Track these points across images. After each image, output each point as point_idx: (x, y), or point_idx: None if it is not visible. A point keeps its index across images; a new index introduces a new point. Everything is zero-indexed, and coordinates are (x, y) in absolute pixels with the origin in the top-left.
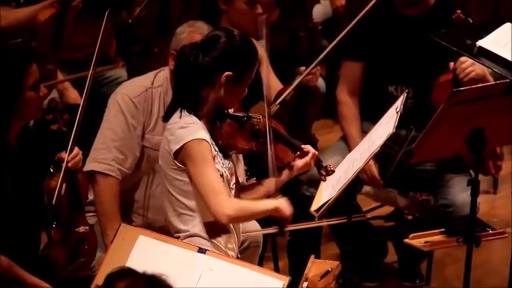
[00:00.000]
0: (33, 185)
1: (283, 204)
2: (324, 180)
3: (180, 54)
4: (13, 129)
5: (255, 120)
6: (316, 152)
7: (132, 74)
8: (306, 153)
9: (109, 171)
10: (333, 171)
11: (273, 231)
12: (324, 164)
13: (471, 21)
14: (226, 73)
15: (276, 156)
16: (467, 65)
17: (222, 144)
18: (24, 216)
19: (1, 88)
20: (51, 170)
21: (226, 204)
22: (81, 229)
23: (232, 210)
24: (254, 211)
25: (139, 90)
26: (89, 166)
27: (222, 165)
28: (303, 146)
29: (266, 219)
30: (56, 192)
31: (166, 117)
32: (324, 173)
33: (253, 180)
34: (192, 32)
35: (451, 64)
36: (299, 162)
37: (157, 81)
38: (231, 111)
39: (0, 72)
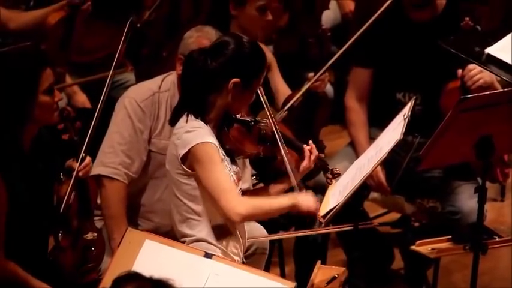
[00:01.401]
0: (44, 189)
1: (300, 199)
2: (330, 183)
3: (188, 59)
4: (27, 133)
5: (262, 125)
6: (317, 153)
7: (141, 77)
8: (307, 154)
9: (115, 175)
10: (339, 174)
11: (281, 237)
12: (330, 167)
13: (479, 28)
14: (234, 80)
15: (282, 161)
16: (476, 73)
17: (230, 148)
18: (34, 219)
19: (15, 92)
20: (62, 177)
21: (238, 203)
22: (90, 236)
23: (244, 208)
24: (268, 209)
25: (147, 95)
26: (95, 170)
27: (229, 169)
28: (304, 146)
29: (274, 225)
30: (65, 200)
31: (173, 121)
32: (330, 176)
33: (261, 185)
34: (200, 37)
35: (459, 71)
36: (301, 165)
37: (164, 86)
38: (238, 116)
39: (14, 75)
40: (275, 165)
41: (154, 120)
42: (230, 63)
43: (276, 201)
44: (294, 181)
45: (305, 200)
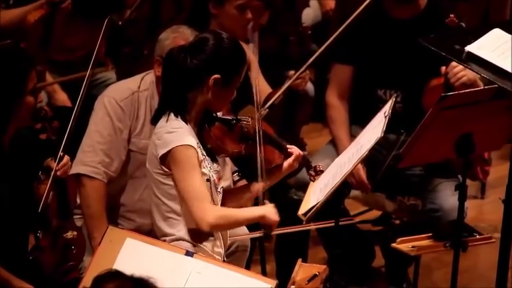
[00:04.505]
0: (24, 188)
1: (269, 211)
2: (313, 181)
3: (168, 57)
4: (7, 132)
5: (244, 123)
6: (301, 153)
7: (122, 76)
8: (290, 154)
9: (95, 174)
10: (322, 171)
11: (261, 235)
12: (313, 165)
13: (464, 25)
14: (214, 76)
15: (265, 159)
16: (459, 70)
17: (211, 147)
18: (14, 219)
19: (4, 90)
20: (40, 177)
21: (209, 211)
22: (69, 234)
23: (214, 217)
24: (238, 219)
25: (126, 94)
26: (75, 169)
27: (209, 169)
28: (288, 146)
29: (254, 223)
30: (43, 199)
31: (155, 120)
32: (313, 173)
33: (244, 181)
34: (176, 38)
35: (443, 68)
36: (284, 164)
37: (143, 85)
38: (219, 114)
39: (4, 74)
40: (257, 163)
41: (134, 119)
42: (210, 60)
43: (246, 212)
44: (259, 192)
45: (273, 213)
